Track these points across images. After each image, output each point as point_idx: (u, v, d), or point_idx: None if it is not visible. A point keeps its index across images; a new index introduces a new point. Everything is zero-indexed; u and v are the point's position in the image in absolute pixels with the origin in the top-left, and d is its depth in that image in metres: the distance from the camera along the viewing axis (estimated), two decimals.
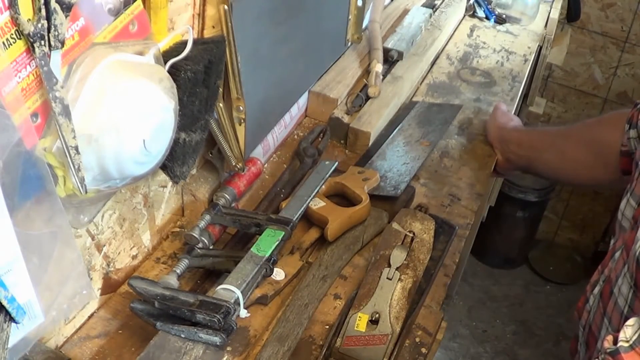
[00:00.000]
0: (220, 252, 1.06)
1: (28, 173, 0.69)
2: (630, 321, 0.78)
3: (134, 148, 0.78)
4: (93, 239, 0.93)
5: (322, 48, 1.40)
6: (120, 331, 0.96)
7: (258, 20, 1.08)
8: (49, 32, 0.67)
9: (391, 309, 0.98)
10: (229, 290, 0.95)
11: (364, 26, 1.54)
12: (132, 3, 0.79)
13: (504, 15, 1.92)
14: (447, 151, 1.40)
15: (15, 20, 0.65)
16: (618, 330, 0.79)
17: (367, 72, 1.50)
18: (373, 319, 0.97)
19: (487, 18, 1.92)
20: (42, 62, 0.68)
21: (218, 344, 0.90)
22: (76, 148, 0.71)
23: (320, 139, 1.37)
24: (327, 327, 1.00)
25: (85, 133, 0.73)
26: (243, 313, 0.96)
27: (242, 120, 1.09)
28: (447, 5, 1.87)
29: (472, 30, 1.88)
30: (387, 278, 1.03)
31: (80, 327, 0.96)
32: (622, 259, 1.00)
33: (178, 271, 1.00)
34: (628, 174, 1.17)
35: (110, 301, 1.00)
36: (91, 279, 0.96)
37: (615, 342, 0.77)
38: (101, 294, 0.99)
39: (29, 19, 0.65)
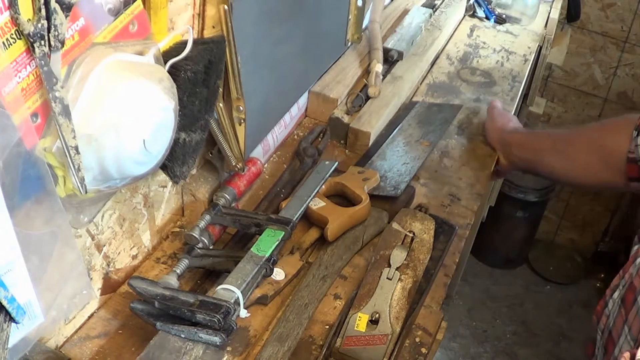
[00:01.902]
0: (220, 252, 1.06)
1: (28, 173, 0.69)
2: None
3: (134, 148, 0.78)
4: (93, 239, 0.93)
5: (322, 48, 1.40)
6: (120, 331, 0.96)
7: (258, 20, 1.08)
8: (49, 32, 0.67)
9: (391, 309, 0.98)
10: (229, 290, 0.95)
11: (364, 26, 1.54)
12: (132, 3, 0.79)
13: (504, 15, 1.92)
14: (447, 151, 1.40)
15: (15, 20, 0.65)
16: (637, 340, 0.78)
17: (367, 72, 1.50)
18: (373, 319, 0.97)
19: (487, 18, 1.92)
20: (42, 62, 0.68)
21: (218, 344, 0.90)
22: (76, 148, 0.71)
23: (320, 139, 1.37)
24: (327, 327, 1.00)
25: (85, 133, 0.73)
26: (243, 313, 0.96)
27: (242, 120, 1.09)
28: (447, 5, 1.87)
29: (472, 30, 1.88)
30: (387, 278, 1.03)
31: (80, 327, 0.96)
32: None
33: (178, 271, 1.00)
34: (634, 181, 1.16)
35: (110, 301, 1.00)
36: (91, 279, 0.96)
37: (633, 358, 0.76)
38: (101, 294, 0.99)
39: (29, 19, 0.65)
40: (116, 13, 0.77)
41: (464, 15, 1.93)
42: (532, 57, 1.79)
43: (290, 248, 1.09)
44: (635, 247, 1.09)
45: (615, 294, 1.06)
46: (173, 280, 0.98)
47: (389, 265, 1.05)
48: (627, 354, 0.77)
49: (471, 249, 2.32)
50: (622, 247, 2.85)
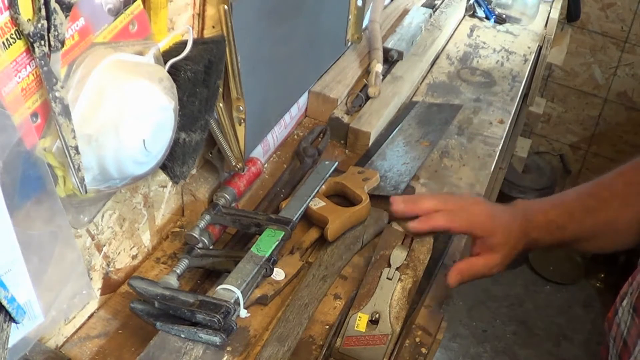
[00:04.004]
0: (220, 252, 1.06)
1: (28, 173, 0.69)
2: None
3: (134, 148, 0.78)
4: (93, 239, 0.93)
5: (322, 48, 1.40)
6: (120, 331, 0.96)
7: (258, 20, 1.08)
8: (48, 32, 0.67)
9: (391, 309, 0.98)
10: (229, 290, 0.95)
11: (364, 26, 1.54)
12: (132, 3, 0.79)
13: (504, 15, 1.92)
14: (447, 151, 1.39)
15: (15, 20, 0.65)
16: None
17: (367, 72, 1.50)
18: (373, 319, 0.97)
19: (487, 18, 1.92)
20: (42, 62, 0.68)
21: (218, 344, 0.90)
22: (76, 148, 0.71)
23: (320, 139, 1.37)
24: (327, 327, 1.00)
25: (85, 133, 0.73)
26: (243, 313, 0.96)
27: (242, 120, 1.09)
28: (447, 5, 1.87)
29: (472, 30, 1.88)
30: (387, 278, 1.03)
31: (80, 327, 0.96)
32: None
33: (178, 271, 1.00)
34: None
35: (110, 301, 1.00)
36: (91, 279, 0.96)
37: None
38: (101, 294, 0.99)
39: (29, 19, 0.65)
40: (116, 13, 0.77)
41: (464, 15, 1.93)
42: (532, 57, 1.79)
43: (290, 248, 1.09)
44: None
45: (625, 302, 1.04)
46: (173, 280, 0.98)
47: (389, 265, 1.05)
48: None
49: None
50: None
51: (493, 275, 1.08)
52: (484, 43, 1.81)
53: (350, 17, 1.43)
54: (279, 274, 1.04)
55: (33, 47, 0.67)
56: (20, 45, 0.66)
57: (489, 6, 1.93)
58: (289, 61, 1.25)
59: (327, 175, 1.20)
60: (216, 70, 0.94)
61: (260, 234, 1.05)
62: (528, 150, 2.65)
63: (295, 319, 0.98)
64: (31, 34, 0.66)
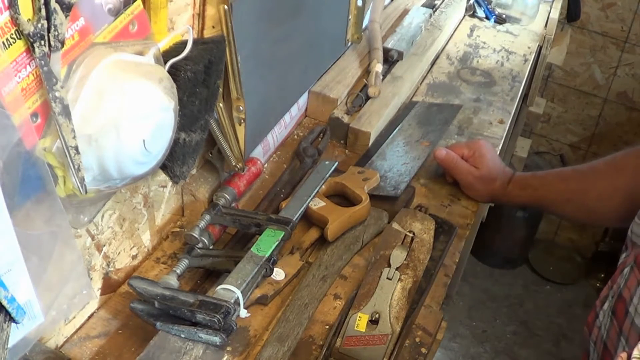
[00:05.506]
0: (220, 252, 1.06)
1: (28, 173, 0.69)
2: None
3: (134, 148, 0.78)
4: (93, 239, 0.93)
5: (322, 48, 1.40)
6: (120, 331, 0.96)
7: (258, 20, 1.08)
8: (49, 32, 0.67)
9: (391, 309, 0.98)
10: (229, 290, 0.95)
11: (364, 26, 1.54)
12: (132, 3, 0.79)
13: (504, 15, 1.92)
14: None
15: (15, 20, 0.65)
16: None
17: (367, 72, 1.50)
18: (373, 319, 0.97)
19: (487, 18, 1.92)
20: (42, 62, 0.68)
21: (218, 344, 0.90)
22: (76, 148, 0.71)
23: (320, 139, 1.37)
24: (327, 327, 1.00)
25: (85, 133, 0.73)
26: (243, 313, 0.96)
27: (242, 120, 1.09)
28: (447, 5, 1.87)
29: (472, 30, 1.88)
30: (387, 278, 1.03)
31: (80, 327, 0.96)
32: (634, 278, 0.99)
33: (178, 271, 1.00)
34: None
35: (110, 301, 1.00)
36: (91, 279, 0.96)
37: (629, 358, 0.77)
38: (101, 294, 0.99)
39: (29, 19, 0.65)
40: (116, 13, 0.77)
41: (464, 15, 1.93)
42: (532, 57, 1.79)
43: (290, 248, 1.09)
44: (623, 256, 1.08)
45: (605, 305, 1.05)
46: (173, 280, 0.98)
47: (389, 265, 1.05)
48: (623, 354, 0.78)
49: (471, 249, 2.33)
50: (622, 247, 2.85)
51: (464, 187, 1.26)
52: (484, 43, 1.81)
53: (350, 17, 1.43)
54: (279, 274, 1.04)
55: (33, 47, 0.67)
56: (20, 45, 0.66)
57: (489, 6, 1.93)
58: (289, 61, 1.25)
59: (327, 175, 1.20)
60: (216, 70, 0.94)
61: (260, 234, 1.05)
62: (528, 150, 2.65)
63: (295, 319, 0.98)
64: (31, 34, 0.66)
